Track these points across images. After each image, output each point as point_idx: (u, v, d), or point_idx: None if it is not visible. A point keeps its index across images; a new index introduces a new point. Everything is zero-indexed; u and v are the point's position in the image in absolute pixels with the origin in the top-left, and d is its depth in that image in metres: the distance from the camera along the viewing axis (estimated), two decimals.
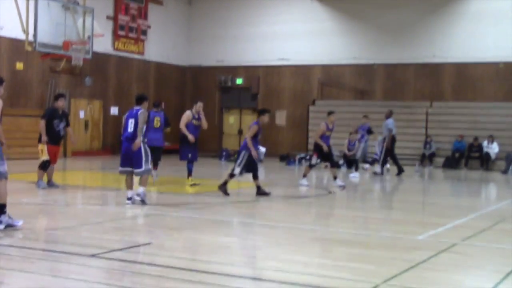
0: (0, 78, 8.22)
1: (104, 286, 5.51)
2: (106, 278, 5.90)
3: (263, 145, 27.04)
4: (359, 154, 20.23)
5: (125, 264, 6.37)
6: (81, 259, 6.43)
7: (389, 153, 19.96)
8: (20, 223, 7.89)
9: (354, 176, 18.80)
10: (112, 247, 7.08)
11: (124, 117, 10.86)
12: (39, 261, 6.33)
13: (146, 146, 10.65)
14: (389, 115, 20.38)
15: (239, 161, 12.18)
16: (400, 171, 19.69)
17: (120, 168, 10.78)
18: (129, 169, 10.67)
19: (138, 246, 7.37)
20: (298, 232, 8.65)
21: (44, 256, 6.54)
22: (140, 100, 10.83)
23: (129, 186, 10.70)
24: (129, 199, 10.56)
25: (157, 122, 14.61)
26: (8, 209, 7.94)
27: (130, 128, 10.48)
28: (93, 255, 6.59)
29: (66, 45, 21.80)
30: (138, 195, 10.63)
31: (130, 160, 10.56)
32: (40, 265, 6.16)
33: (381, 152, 20.00)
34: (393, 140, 20.13)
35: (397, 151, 23.29)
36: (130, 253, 6.88)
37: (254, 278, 5.96)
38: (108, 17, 26.46)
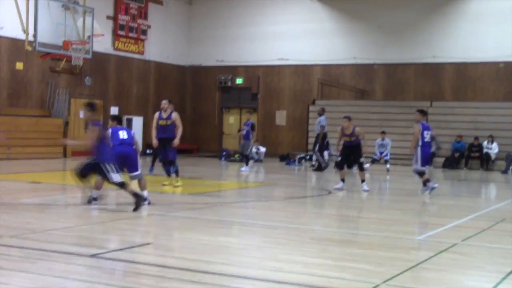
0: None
1: (104, 286, 5.50)
2: (106, 278, 5.90)
3: (263, 145, 27.19)
4: (249, 151, 20.89)
5: (125, 264, 6.37)
6: (81, 259, 6.43)
7: (319, 148, 20.58)
8: None
9: (245, 170, 19.88)
10: (112, 247, 7.08)
11: (109, 131, 10.99)
12: (39, 261, 6.32)
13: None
14: (321, 112, 21.13)
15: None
16: (321, 168, 20.25)
17: None
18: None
19: (138, 246, 7.37)
20: (298, 232, 8.65)
21: (44, 256, 6.54)
22: (120, 120, 11.51)
23: (99, 186, 10.72)
24: (95, 199, 10.57)
25: None
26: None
27: (123, 136, 10.83)
28: (93, 255, 6.59)
29: (66, 45, 21.80)
30: (144, 199, 10.67)
31: (122, 165, 10.70)
32: (40, 265, 6.15)
33: (315, 146, 20.76)
34: (324, 136, 20.74)
35: (397, 151, 23.27)
36: (130, 253, 6.88)
37: (254, 278, 5.96)
38: (108, 17, 26.48)
